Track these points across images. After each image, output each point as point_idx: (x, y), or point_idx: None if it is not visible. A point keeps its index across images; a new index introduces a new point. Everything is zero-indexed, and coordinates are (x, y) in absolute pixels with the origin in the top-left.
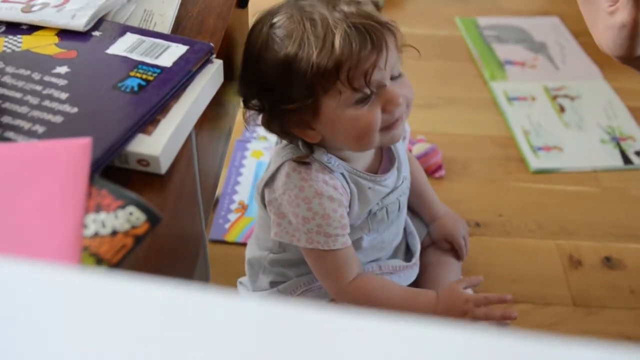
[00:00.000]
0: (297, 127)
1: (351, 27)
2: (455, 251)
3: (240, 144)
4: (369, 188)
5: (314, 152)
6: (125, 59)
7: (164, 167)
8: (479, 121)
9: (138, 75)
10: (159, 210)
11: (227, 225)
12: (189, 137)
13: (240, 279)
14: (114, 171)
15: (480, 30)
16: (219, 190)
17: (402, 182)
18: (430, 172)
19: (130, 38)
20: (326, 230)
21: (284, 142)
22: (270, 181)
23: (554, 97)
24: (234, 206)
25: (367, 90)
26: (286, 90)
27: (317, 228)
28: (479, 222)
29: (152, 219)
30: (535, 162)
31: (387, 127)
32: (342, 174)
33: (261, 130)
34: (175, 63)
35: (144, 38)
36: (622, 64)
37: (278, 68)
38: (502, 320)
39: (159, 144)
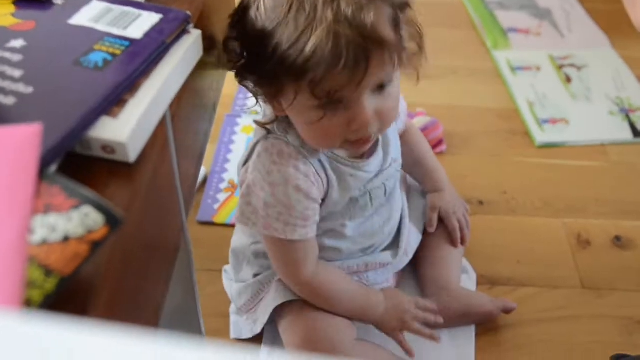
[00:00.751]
0: (265, 96)
1: (330, 35)
2: (454, 239)
3: (230, 118)
4: (350, 175)
5: (289, 130)
6: (89, 30)
7: (132, 154)
8: (482, 92)
9: (104, 48)
10: (127, 206)
11: (216, 206)
12: (163, 119)
13: (226, 267)
14: (76, 159)
15: None
16: (207, 169)
17: (390, 165)
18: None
19: (96, 6)
20: (286, 218)
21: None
22: (247, 160)
23: (560, 67)
24: (223, 185)
25: (331, 100)
26: (255, 60)
27: (277, 215)
28: (482, 200)
29: (112, 221)
30: (541, 135)
31: (351, 142)
32: (319, 160)
33: (252, 104)
34: (147, 34)
35: (111, 6)
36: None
37: (253, 35)
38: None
39: (126, 128)
